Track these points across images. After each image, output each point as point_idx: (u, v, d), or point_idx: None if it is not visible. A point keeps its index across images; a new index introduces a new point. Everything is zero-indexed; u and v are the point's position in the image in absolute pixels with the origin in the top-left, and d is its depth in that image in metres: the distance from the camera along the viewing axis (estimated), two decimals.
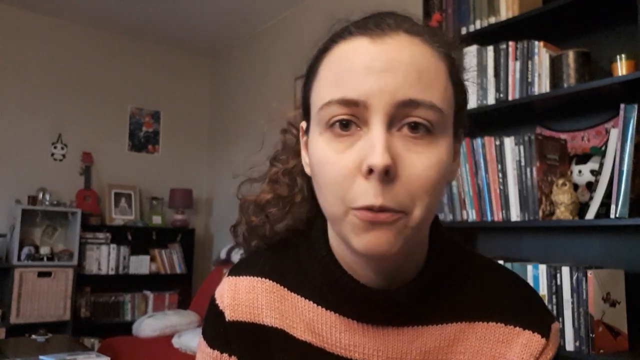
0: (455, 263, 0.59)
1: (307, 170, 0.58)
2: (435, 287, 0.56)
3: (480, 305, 0.56)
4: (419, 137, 0.48)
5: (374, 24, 0.51)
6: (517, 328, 0.55)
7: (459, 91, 0.54)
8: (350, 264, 0.55)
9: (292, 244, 0.62)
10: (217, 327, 0.61)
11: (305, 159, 0.59)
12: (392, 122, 0.48)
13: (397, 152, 0.47)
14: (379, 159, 0.45)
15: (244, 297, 0.60)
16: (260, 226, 0.63)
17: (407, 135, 0.48)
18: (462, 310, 0.56)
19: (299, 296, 0.59)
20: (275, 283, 0.60)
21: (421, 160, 0.48)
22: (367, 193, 0.47)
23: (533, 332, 0.55)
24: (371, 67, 0.48)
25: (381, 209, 0.46)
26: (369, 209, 0.47)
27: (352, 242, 0.49)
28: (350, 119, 0.49)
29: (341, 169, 0.48)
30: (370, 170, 0.46)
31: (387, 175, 0.46)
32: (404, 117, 0.48)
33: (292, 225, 0.62)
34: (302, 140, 0.60)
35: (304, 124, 0.59)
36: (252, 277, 0.61)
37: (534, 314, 0.56)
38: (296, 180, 0.63)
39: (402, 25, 0.51)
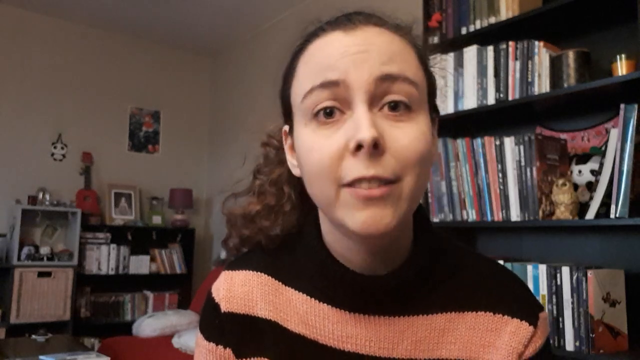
0: (441, 252, 0.60)
1: (295, 171, 0.59)
2: (423, 274, 0.57)
3: (468, 295, 0.58)
4: (400, 115, 0.50)
5: (346, 19, 0.54)
6: (506, 317, 0.56)
7: (429, 77, 0.56)
8: (342, 253, 0.56)
9: (287, 243, 0.64)
10: (212, 320, 0.62)
11: (291, 161, 0.60)
12: (373, 101, 0.50)
13: (382, 128, 0.49)
14: (366, 132, 0.47)
15: (239, 289, 0.61)
16: (253, 237, 0.64)
17: (388, 114, 0.50)
18: (451, 300, 0.57)
19: (293, 289, 0.60)
20: (270, 277, 0.62)
21: (406, 134, 0.50)
22: (357, 166, 0.48)
23: (521, 320, 0.56)
24: (347, 51, 0.51)
25: (373, 178, 0.48)
26: (359, 180, 0.48)
27: (348, 223, 0.50)
28: (333, 105, 0.50)
29: (329, 151, 0.50)
30: (359, 147, 0.48)
31: (376, 149, 0.48)
32: (383, 94, 0.50)
33: (286, 231, 0.64)
34: (287, 144, 0.61)
35: (286, 128, 0.60)
36: (248, 271, 0.62)
37: (521, 303, 0.57)
38: (283, 190, 0.64)
39: (371, 20, 0.54)
